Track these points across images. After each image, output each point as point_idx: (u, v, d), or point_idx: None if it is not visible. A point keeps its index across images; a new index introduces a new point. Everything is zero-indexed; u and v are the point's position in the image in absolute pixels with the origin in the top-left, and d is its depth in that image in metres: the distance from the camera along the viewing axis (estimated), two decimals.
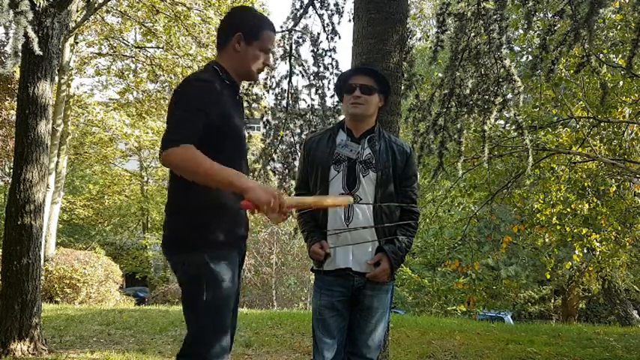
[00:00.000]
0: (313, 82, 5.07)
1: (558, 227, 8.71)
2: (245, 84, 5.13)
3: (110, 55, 14.64)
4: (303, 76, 5.13)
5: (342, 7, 5.04)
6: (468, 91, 4.28)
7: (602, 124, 7.66)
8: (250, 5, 10.82)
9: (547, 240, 9.86)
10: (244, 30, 1.96)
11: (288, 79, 5.24)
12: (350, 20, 3.75)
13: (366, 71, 2.40)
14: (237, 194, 1.74)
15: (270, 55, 2.09)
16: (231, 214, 1.91)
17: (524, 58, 8.41)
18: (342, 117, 4.77)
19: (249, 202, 1.67)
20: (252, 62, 1.99)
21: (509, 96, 4.11)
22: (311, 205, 2.02)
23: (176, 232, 1.89)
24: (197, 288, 1.82)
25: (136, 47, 14.25)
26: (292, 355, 4.97)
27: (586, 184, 8.51)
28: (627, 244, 9.13)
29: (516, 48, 7.97)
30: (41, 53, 4.23)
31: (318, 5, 5.06)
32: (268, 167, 5.63)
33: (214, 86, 1.86)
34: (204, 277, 1.81)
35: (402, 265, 3.52)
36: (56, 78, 8.38)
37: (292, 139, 5.38)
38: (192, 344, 1.84)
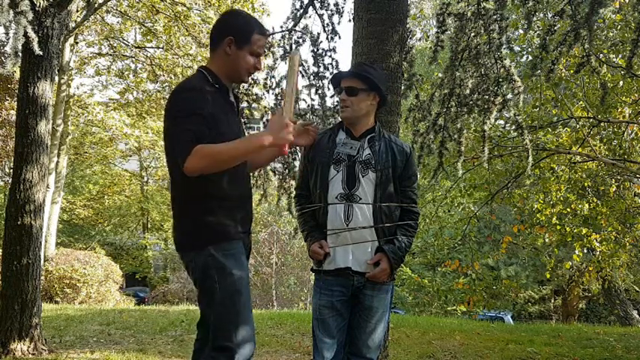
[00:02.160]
0: (313, 82, 5.07)
1: (558, 227, 8.71)
2: (245, 84, 5.13)
3: (110, 55, 14.65)
4: (303, 76, 5.13)
5: (342, 7, 5.03)
6: (468, 91, 4.28)
7: (602, 124, 7.66)
8: (250, 6, 10.83)
9: (547, 240, 9.87)
10: (235, 34, 2.00)
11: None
12: (350, 20, 3.75)
13: (348, 73, 2.42)
14: (237, 190, 2.00)
15: (261, 58, 2.12)
16: (234, 209, 1.99)
17: (524, 58, 8.41)
18: None
19: (281, 148, 1.97)
20: (243, 66, 2.03)
21: (509, 96, 4.11)
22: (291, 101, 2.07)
23: (184, 232, 1.98)
24: (208, 282, 1.90)
25: (136, 47, 14.26)
26: (292, 355, 4.97)
27: (586, 184, 8.51)
28: (627, 244, 9.14)
29: (516, 48, 7.96)
30: (41, 53, 4.23)
31: (318, 5, 5.05)
32: (268, 167, 5.63)
33: (201, 92, 1.91)
34: (213, 269, 1.89)
35: (402, 265, 3.52)
36: (56, 78, 8.38)
37: None
38: (216, 338, 1.90)
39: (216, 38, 2.04)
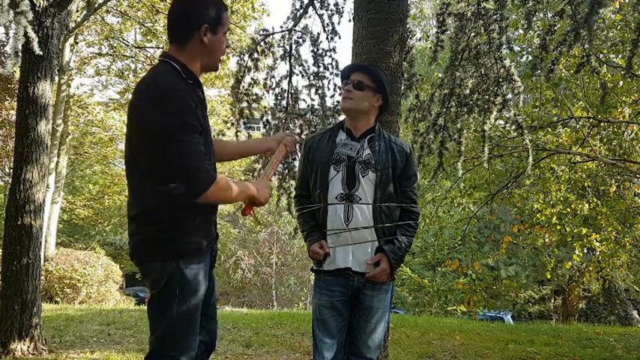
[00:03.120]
0: (313, 82, 5.07)
1: (558, 227, 8.72)
2: (245, 84, 5.12)
3: (110, 55, 14.65)
4: (303, 76, 5.12)
5: (342, 7, 5.03)
6: (468, 91, 4.28)
7: (602, 124, 7.67)
8: (250, 6, 10.83)
9: (547, 240, 9.88)
10: (209, 20, 1.84)
11: (288, 79, 5.23)
12: (350, 20, 3.75)
13: (362, 68, 2.42)
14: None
15: (228, 34, 2.00)
16: (203, 216, 1.88)
17: (524, 58, 8.41)
18: (342, 117, 4.77)
19: (251, 206, 2.02)
20: (220, 51, 1.91)
21: (509, 96, 4.11)
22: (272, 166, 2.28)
23: (148, 240, 1.82)
24: (170, 295, 1.80)
25: (136, 47, 14.26)
26: (292, 355, 4.97)
27: (586, 184, 8.51)
28: (627, 244, 9.14)
29: (516, 48, 7.98)
30: (41, 53, 4.23)
31: (318, 5, 5.05)
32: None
33: (186, 93, 1.77)
34: (177, 284, 1.79)
35: (402, 265, 3.52)
36: (56, 78, 8.38)
37: None
38: (162, 347, 1.84)
39: (184, 29, 1.84)
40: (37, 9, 4.35)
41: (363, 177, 2.30)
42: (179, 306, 1.80)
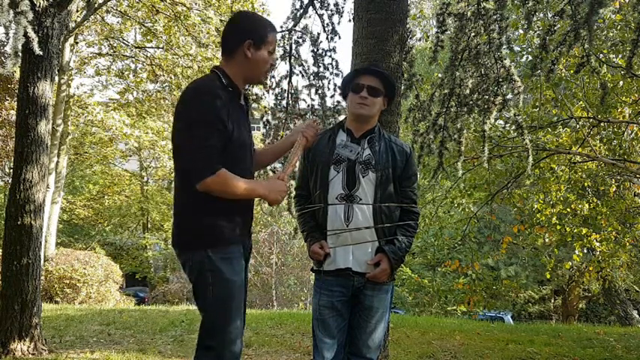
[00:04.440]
0: (313, 82, 5.07)
1: (558, 227, 8.71)
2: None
3: (110, 55, 14.64)
4: (303, 76, 5.12)
5: (342, 7, 5.03)
6: (468, 91, 4.28)
7: (602, 124, 7.66)
8: (250, 6, 10.83)
9: (547, 240, 9.88)
10: (254, 36, 2.02)
11: (288, 79, 5.23)
12: (350, 20, 3.75)
13: (375, 72, 2.40)
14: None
15: (274, 55, 2.16)
16: (235, 212, 2.01)
17: (524, 58, 8.40)
18: (342, 117, 4.77)
19: (269, 201, 2.05)
20: (263, 66, 2.08)
21: (509, 96, 4.11)
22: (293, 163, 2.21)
23: (183, 231, 2.00)
24: (203, 283, 1.94)
25: (136, 47, 14.25)
26: (292, 355, 4.97)
27: (586, 184, 8.51)
28: (627, 244, 9.13)
29: (516, 48, 7.96)
30: (41, 53, 4.23)
31: (318, 5, 5.05)
32: (268, 167, 5.62)
33: (218, 97, 1.92)
34: (209, 272, 1.92)
35: (402, 265, 3.52)
36: (56, 78, 8.38)
37: None
38: (205, 336, 1.96)
39: (232, 43, 2.05)
40: (37, 9, 4.35)
41: (363, 177, 2.30)
42: (213, 294, 1.93)
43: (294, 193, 2.63)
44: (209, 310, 1.95)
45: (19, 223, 4.45)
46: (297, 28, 5.05)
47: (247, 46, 2.02)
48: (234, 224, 2.01)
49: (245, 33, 2.03)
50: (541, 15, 6.91)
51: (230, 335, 1.94)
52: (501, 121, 7.64)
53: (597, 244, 8.75)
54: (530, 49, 8.15)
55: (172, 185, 2.15)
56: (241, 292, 2.02)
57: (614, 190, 8.57)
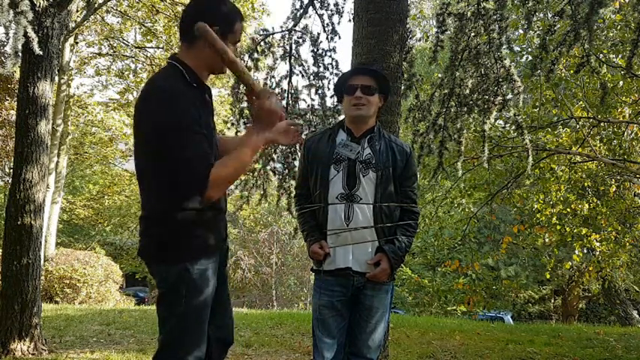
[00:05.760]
0: (313, 82, 5.07)
1: (558, 227, 8.72)
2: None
3: (110, 55, 14.65)
4: (303, 76, 5.13)
5: (342, 7, 5.04)
6: (468, 91, 4.28)
7: (602, 124, 7.66)
8: (250, 6, 10.83)
9: (547, 240, 9.87)
10: (220, 24, 1.78)
11: (288, 79, 5.24)
12: (350, 20, 3.76)
13: (365, 71, 2.41)
14: (220, 199, 1.86)
15: (238, 45, 1.96)
16: (208, 217, 1.84)
17: (524, 58, 8.40)
18: (342, 117, 4.77)
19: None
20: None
21: (509, 96, 4.11)
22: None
23: (157, 242, 1.81)
24: (178, 295, 1.79)
25: (136, 47, 14.26)
26: (292, 355, 4.96)
27: (586, 184, 8.51)
28: (627, 244, 9.14)
29: (516, 48, 7.95)
30: (41, 53, 4.23)
31: (318, 5, 5.06)
32: (268, 167, 5.63)
33: (187, 96, 1.73)
34: (184, 286, 1.78)
35: (402, 265, 3.52)
36: (56, 78, 8.38)
37: None
38: (170, 346, 1.84)
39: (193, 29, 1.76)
40: (37, 9, 4.35)
41: (363, 177, 2.29)
42: (186, 305, 1.79)
43: (294, 192, 2.63)
44: (180, 321, 1.80)
45: (19, 223, 4.45)
46: (297, 28, 5.05)
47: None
48: (215, 233, 1.87)
49: (211, 17, 1.76)
50: (541, 15, 6.91)
51: (199, 344, 1.84)
52: (501, 121, 7.64)
53: (597, 244, 8.75)
54: (530, 49, 8.16)
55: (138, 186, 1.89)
56: (211, 297, 1.88)
57: (614, 190, 8.58)
